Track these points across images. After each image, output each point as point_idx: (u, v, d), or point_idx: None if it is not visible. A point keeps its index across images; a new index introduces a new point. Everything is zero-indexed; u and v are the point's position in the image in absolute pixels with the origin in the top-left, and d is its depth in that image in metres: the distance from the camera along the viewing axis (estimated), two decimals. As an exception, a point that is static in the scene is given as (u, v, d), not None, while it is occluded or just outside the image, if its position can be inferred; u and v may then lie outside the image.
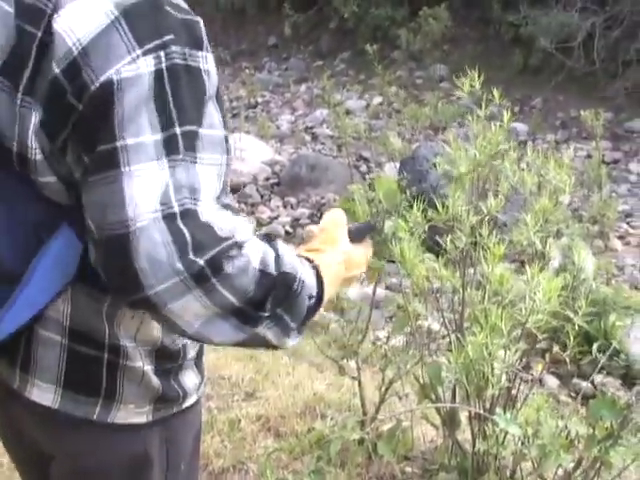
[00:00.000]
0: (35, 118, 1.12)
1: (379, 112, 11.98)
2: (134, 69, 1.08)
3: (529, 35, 11.99)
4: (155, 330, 1.30)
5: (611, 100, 11.14)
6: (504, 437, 2.26)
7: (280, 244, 1.20)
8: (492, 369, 2.12)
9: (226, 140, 1.17)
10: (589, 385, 4.15)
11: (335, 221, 1.48)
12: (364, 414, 2.91)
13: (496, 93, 2.23)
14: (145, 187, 1.07)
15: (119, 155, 1.07)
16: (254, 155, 9.85)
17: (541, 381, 4.40)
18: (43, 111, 1.12)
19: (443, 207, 2.28)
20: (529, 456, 2.26)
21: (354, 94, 12.84)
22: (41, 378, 1.30)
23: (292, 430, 3.23)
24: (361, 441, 2.76)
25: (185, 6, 1.17)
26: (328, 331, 2.95)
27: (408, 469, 2.88)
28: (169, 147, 1.09)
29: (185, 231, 1.07)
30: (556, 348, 2.53)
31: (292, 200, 9.16)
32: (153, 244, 1.06)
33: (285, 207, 9.08)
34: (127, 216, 1.07)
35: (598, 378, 4.40)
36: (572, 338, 2.24)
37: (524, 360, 2.44)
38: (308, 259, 1.27)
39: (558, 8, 11.85)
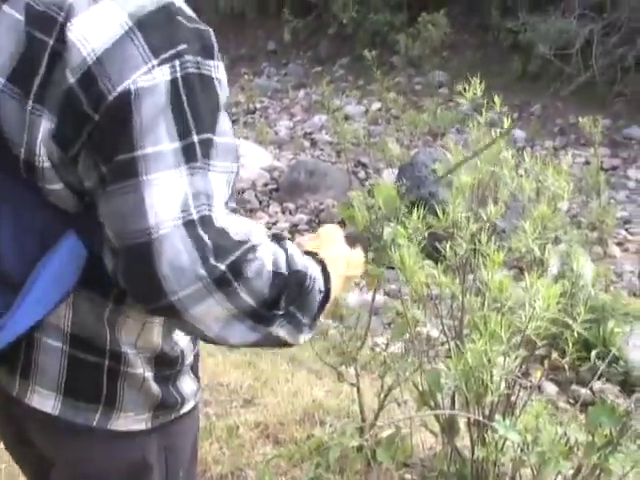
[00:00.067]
0: (44, 126, 1.13)
1: (378, 118, 11.99)
2: (151, 79, 1.09)
3: (528, 42, 11.99)
4: (155, 336, 1.31)
5: (609, 107, 11.15)
6: (503, 444, 2.26)
7: (289, 243, 1.23)
8: (491, 376, 2.12)
9: (236, 148, 1.20)
10: (588, 392, 4.14)
11: (330, 229, 1.50)
12: (363, 421, 2.91)
13: (497, 100, 2.23)
14: (165, 195, 1.09)
15: (138, 164, 1.09)
16: (253, 161, 9.85)
17: (539, 387, 4.40)
18: (56, 120, 1.12)
19: (443, 214, 2.28)
20: (528, 463, 2.26)
21: (353, 100, 12.84)
22: (41, 385, 1.30)
23: (291, 437, 3.22)
24: (360, 448, 2.75)
25: (194, 16, 1.18)
26: (327, 337, 2.94)
27: (407, 476, 2.88)
28: (187, 155, 1.11)
29: (205, 237, 1.09)
30: (555, 355, 2.52)
31: (291, 206, 9.16)
32: (175, 251, 1.08)
33: (284, 213, 9.08)
34: (148, 224, 1.08)
35: (597, 385, 4.40)
36: (571, 345, 2.24)
37: (523, 367, 2.44)
38: (314, 253, 1.29)
39: (556, 15, 11.86)
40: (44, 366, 1.29)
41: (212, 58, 1.15)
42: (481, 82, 2.29)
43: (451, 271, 2.43)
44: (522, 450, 2.22)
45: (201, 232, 1.09)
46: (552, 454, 2.15)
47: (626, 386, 4.69)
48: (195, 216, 1.10)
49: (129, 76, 1.09)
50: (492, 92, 2.30)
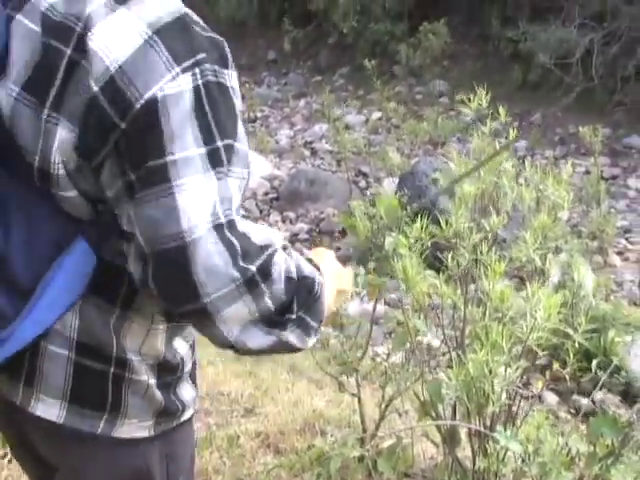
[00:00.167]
0: (61, 134, 1.14)
1: (378, 127, 12.00)
2: (175, 86, 1.11)
3: (528, 51, 12.02)
4: (159, 343, 1.32)
5: (609, 116, 11.16)
6: (504, 454, 2.26)
7: (294, 251, 1.26)
8: (492, 386, 2.12)
9: (248, 155, 1.23)
10: (589, 402, 4.14)
11: (321, 250, 1.52)
12: (364, 431, 2.90)
13: (502, 110, 2.24)
14: (196, 199, 1.11)
15: (169, 169, 1.11)
16: (253, 170, 9.83)
17: (540, 398, 4.39)
18: (78, 130, 1.13)
19: (446, 224, 2.28)
20: (530, 474, 2.25)
21: (353, 109, 12.87)
22: (47, 393, 1.30)
23: (292, 447, 3.21)
24: (361, 458, 2.75)
25: (206, 26, 1.20)
26: (327, 347, 2.94)
27: (408, 486, 2.87)
28: (213, 160, 1.13)
29: (233, 240, 1.13)
30: (556, 365, 2.51)
31: (291, 215, 9.17)
32: (209, 254, 1.11)
33: (284, 222, 9.08)
34: (182, 228, 1.10)
35: (598, 395, 4.39)
36: (572, 355, 2.24)
37: (524, 377, 2.44)
38: (311, 260, 1.31)
39: (557, 24, 11.88)
40: (49, 374, 1.29)
41: (227, 67, 1.18)
42: (487, 93, 2.29)
43: (453, 281, 2.43)
44: (523, 461, 2.21)
45: (229, 235, 1.13)
46: (553, 465, 2.14)
47: (627, 396, 4.67)
48: (223, 220, 1.13)
49: (155, 84, 1.11)
50: (493, 101, 2.30)
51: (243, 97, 1.27)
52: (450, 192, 2.40)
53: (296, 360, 4.28)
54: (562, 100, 11.41)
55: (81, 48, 1.13)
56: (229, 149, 1.16)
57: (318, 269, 1.29)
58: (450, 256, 2.31)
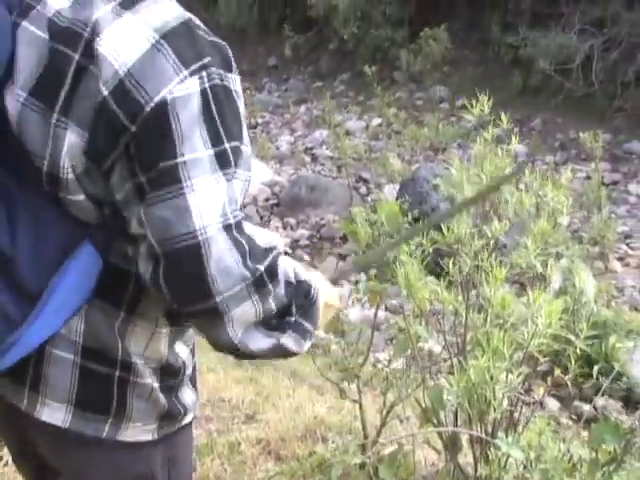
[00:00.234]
0: (70, 138, 1.15)
1: (379, 133, 12.00)
2: (184, 89, 1.13)
3: (528, 57, 12.03)
4: (162, 346, 1.33)
5: (610, 121, 11.17)
6: (506, 461, 2.25)
7: (289, 258, 1.28)
8: (494, 393, 2.11)
9: (251, 157, 1.25)
10: (591, 408, 4.13)
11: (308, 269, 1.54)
12: (365, 437, 2.89)
13: (504, 117, 2.24)
14: (207, 199, 1.13)
15: (180, 170, 1.13)
16: (253, 176, 9.82)
17: (542, 404, 4.38)
18: (87, 134, 1.14)
19: (448, 230, 2.28)
20: (531, 480, 2.25)
21: (353, 115, 12.87)
22: (52, 397, 1.30)
23: (293, 453, 3.21)
24: (362, 465, 2.74)
25: (208, 30, 1.22)
26: (329, 353, 2.93)
27: (409, 493, 2.86)
28: (221, 161, 1.15)
29: (242, 240, 1.15)
30: (557, 371, 2.51)
31: (292, 221, 9.17)
32: (221, 253, 1.13)
33: (285, 228, 9.08)
34: (194, 227, 1.12)
35: (600, 401, 4.38)
36: (573, 361, 2.23)
37: (525, 383, 2.43)
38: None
39: (557, 30, 11.89)
40: (54, 378, 1.29)
41: (231, 71, 1.20)
42: (489, 99, 2.30)
43: (454, 287, 2.43)
44: (525, 467, 2.21)
45: (238, 235, 1.15)
46: (555, 471, 2.13)
47: (629, 402, 4.67)
48: (232, 220, 1.15)
49: (164, 87, 1.12)
50: (493, 107, 2.31)
51: (244, 103, 1.28)
52: (450, 198, 2.40)
53: (297, 366, 4.27)
54: (560, 105, 11.42)
55: (89, 53, 1.14)
56: (236, 151, 1.18)
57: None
58: (451, 262, 2.31)
